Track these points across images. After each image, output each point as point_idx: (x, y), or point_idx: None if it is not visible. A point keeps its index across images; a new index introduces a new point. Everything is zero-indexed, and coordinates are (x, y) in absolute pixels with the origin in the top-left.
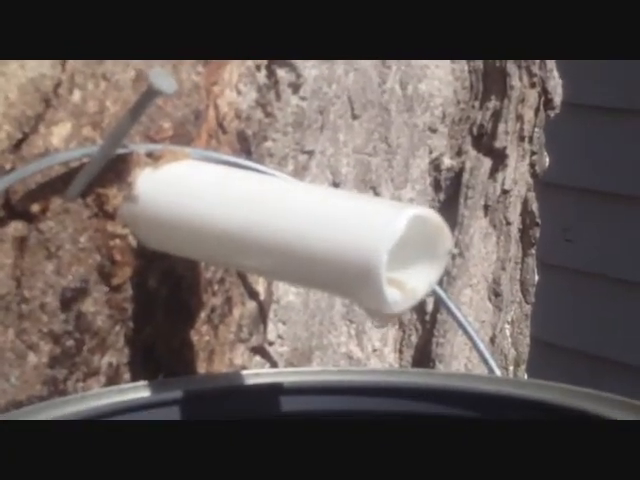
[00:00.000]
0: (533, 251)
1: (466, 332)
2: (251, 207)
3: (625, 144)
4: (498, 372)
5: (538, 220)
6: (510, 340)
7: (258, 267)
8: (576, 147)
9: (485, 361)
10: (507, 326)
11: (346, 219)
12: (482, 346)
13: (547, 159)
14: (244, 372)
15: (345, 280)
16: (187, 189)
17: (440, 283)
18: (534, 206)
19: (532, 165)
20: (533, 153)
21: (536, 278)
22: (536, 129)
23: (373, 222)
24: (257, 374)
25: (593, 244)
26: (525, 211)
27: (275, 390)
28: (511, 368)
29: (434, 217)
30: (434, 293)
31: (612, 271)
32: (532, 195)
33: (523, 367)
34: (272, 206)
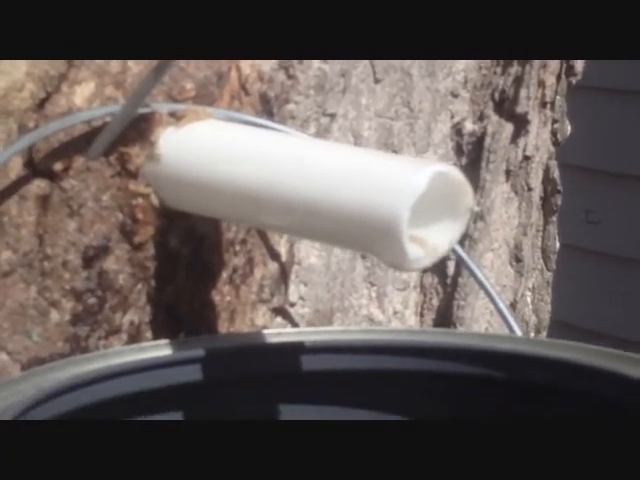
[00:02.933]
0: (554, 219)
1: (486, 292)
2: (273, 165)
3: None
4: (519, 332)
5: (560, 188)
6: (531, 307)
7: (280, 225)
8: (598, 129)
9: (506, 321)
10: (528, 293)
11: (368, 175)
12: (503, 306)
13: (569, 127)
14: (266, 331)
15: (367, 236)
16: (209, 148)
17: (462, 246)
18: (555, 174)
19: (554, 133)
20: (555, 121)
21: (557, 245)
22: (558, 97)
23: (395, 178)
24: (279, 333)
25: (616, 226)
26: (547, 179)
27: (297, 349)
28: (532, 335)
29: (456, 174)
30: (455, 253)
31: (636, 253)
32: (554, 163)
33: (544, 334)
34: (294, 163)
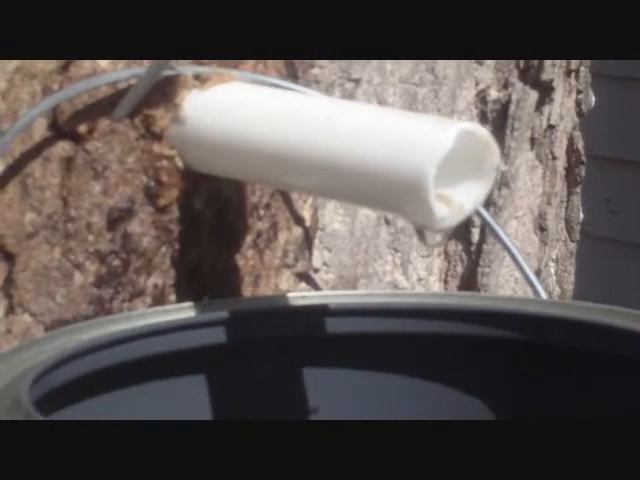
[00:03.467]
0: (578, 190)
1: (511, 255)
2: (298, 125)
3: None
4: (544, 295)
5: (584, 158)
6: (555, 278)
7: (306, 185)
8: (618, 118)
9: (531, 284)
10: (552, 264)
11: (394, 134)
12: (527, 269)
13: (593, 98)
14: (289, 294)
15: (393, 195)
16: (234, 110)
17: (486, 211)
18: (580, 145)
19: (578, 104)
20: (579, 91)
21: (581, 216)
22: (582, 67)
23: (422, 136)
24: (303, 297)
25: (637, 215)
26: (571, 149)
27: (321, 311)
28: None
29: (482, 132)
30: (481, 217)
31: None
32: (578, 134)
33: None
34: (318, 123)
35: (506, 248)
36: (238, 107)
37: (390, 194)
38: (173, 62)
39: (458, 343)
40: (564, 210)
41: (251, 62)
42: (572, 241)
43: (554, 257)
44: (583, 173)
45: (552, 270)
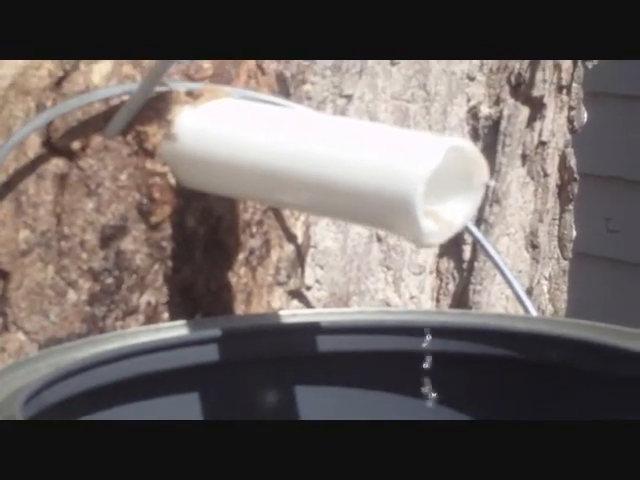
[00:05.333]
0: (571, 207)
1: (501, 272)
2: (289, 142)
3: None
4: (534, 312)
5: (576, 176)
6: (547, 296)
7: (296, 202)
8: (616, 136)
9: (521, 301)
10: (544, 282)
11: (383, 151)
12: (518, 286)
13: (585, 115)
14: (282, 312)
15: (382, 211)
16: (226, 127)
17: (477, 229)
18: (572, 162)
19: (570, 120)
20: (571, 108)
21: (574, 234)
22: (574, 84)
23: (410, 153)
24: (294, 314)
25: (636, 234)
26: (563, 167)
27: (312, 329)
28: None
29: (471, 148)
30: (472, 235)
31: None
32: (570, 151)
33: None
34: (310, 140)
35: (496, 265)
36: (230, 124)
37: (379, 210)
38: (166, 78)
39: (450, 361)
40: (557, 227)
41: (243, 79)
42: (565, 259)
43: (547, 275)
44: (576, 190)
45: (545, 288)
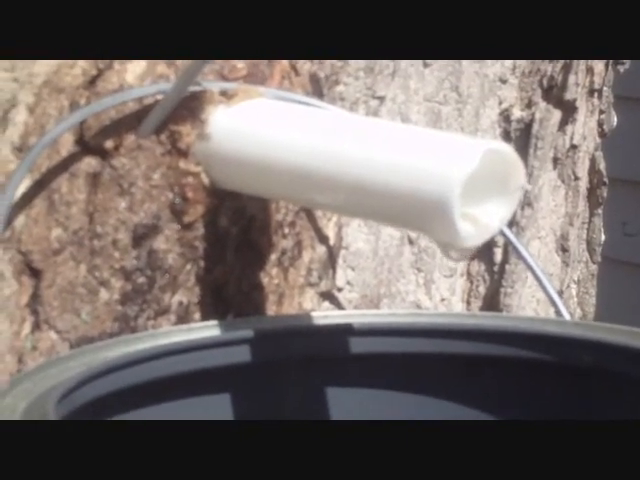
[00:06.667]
0: (600, 211)
1: (535, 274)
2: (324, 142)
3: None
4: (567, 315)
5: (605, 180)
6: (576, 299)
7: (331, 203)
8: (634, 140)
9: (554, 304)
10: (573, 285)
11: (420, 153)
12: (551, 289)
13: (615, 119)
14: (313, 313)
15: (419, 214)
16: (260, 127)
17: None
18: (602, 166)
19: (600, 124)
20: (601, 111)
21: (602, 238)
22: (605, 87)
23: (448, 155)
24: (326, 316)
25: None
26: (593, 170)
27: (344, 331)
28: None
29: (508, 151)
30: (504, 237)
31: None
32: (600, 154)
33: None
34: (345, 141)
35: (530, 268)
36: (264, 124)
37: (416, 212)
38: (200, 78)
39: (481, 364)
40: (586, 231)
41: (277, 79)
42: (593, 263)
43: (575, 279)
44: (605, 194)
45: (573, 292)
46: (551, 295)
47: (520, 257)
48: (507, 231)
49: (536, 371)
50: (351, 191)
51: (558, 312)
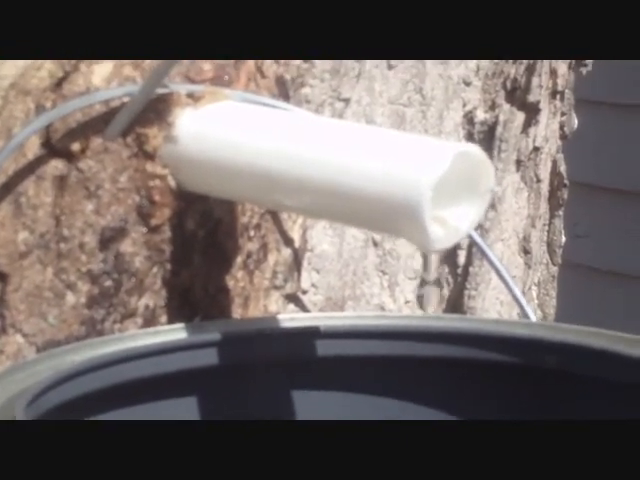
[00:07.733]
0: (560, 212)
1: (501, 276)
2: (290, 145)
3: (634, 141)
4: (533, 317)
5: (566, 182)
6: (536, 301)
7: (299, 205)
8: (582, 142)
9: (520, 306)
10: (534, 287)
11: (390, 155)
12: (517, 291)
13: (576, 121)
14: (280, 316)
15: (388, 217)
16: (227, 129)
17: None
18: (562, 168)
19: (561, 126)
20: (563, 114)
21: (563, 239)
22: (567, 89)
23: (417, 158)
24: (292, 318)
25: (602, 240)
26: (554, 172)
27: (311, 333)
28: None
29: (478, 153)
30: (471, 238)
31: (623, 267)
32: (560, 156)
33: None
34: (312, 143)
35: (496, 271)
36: (231, 126)
37: (385, 216)
38: (166, 80)
39: (446, 366)
40: (546, 233)
41: (243, 81)
42: (554, 265)
43: (536, 281)
44: (565, 196)
45: (534, 294)
46: (517, 297)
47: (487, 259)
48: (474, 233)
49: (503, 373)
50: (318, 194)
51: (523, 314)
